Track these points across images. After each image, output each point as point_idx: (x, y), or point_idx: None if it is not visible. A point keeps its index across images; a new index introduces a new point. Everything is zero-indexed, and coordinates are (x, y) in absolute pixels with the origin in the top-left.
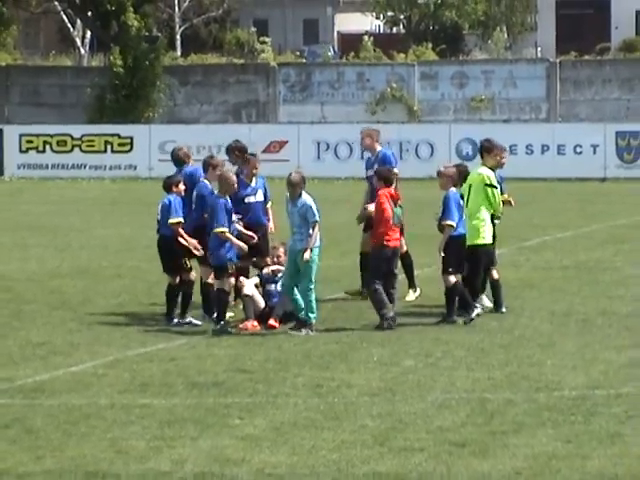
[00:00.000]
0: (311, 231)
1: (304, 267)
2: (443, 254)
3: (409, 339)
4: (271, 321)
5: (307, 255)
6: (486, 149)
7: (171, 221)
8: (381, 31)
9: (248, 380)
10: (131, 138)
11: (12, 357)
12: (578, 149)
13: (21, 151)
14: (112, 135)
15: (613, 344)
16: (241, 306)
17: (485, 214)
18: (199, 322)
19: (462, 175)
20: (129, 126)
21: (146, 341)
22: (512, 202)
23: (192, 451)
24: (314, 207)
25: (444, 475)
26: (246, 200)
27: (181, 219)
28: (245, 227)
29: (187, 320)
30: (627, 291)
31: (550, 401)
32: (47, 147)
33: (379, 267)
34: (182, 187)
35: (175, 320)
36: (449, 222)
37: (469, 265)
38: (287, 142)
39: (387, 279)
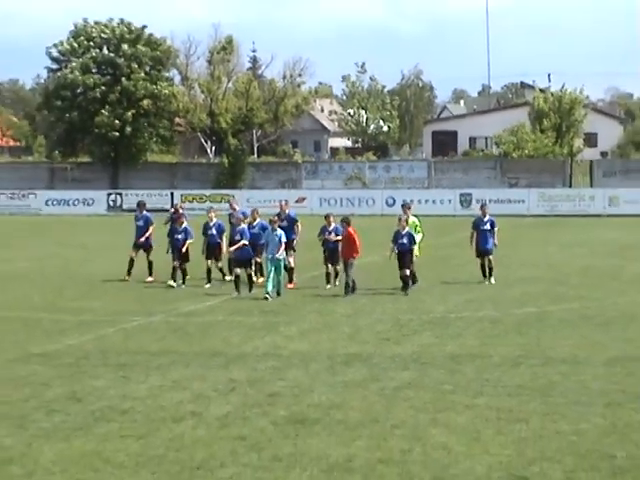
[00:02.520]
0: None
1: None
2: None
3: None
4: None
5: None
6: (408, 206)
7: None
8: (351, 146)
9: (282, 307)
10: (233, 195)
11: (147, 301)
12: (443, 202)
13: (182, 201)
14: (226, 194)
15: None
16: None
17: (418, 238)
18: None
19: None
20: (233, 190)
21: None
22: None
23: (272, 340)
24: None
25: None
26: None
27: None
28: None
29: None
30: None
31: (426, 317)
32: (196, 200)
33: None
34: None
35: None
36: (415, 247)
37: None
38: (305, 198)
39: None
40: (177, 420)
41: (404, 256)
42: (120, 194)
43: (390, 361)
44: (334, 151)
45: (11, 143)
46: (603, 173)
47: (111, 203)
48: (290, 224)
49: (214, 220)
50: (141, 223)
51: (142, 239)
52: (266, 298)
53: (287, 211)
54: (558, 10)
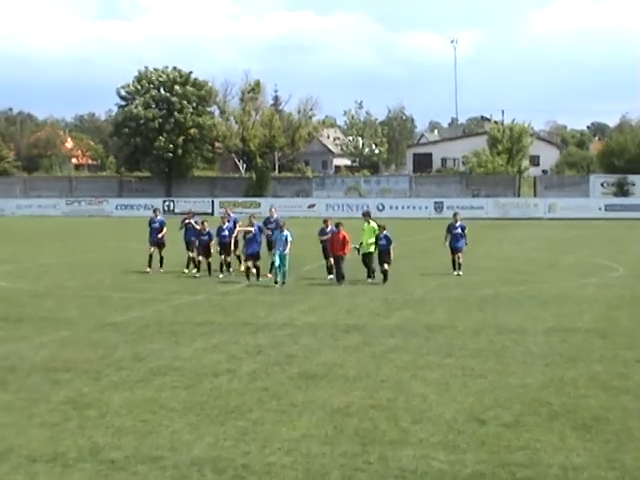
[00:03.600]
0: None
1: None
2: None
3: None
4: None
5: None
6: (368, 214)
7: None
8: (350, 164)
9: (296, 289)
10: (260, 203)
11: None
12: (421, 208)
13: (220, 207)
14: (254, 202)
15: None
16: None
17: (372, 241)
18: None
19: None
20: (259, 198)
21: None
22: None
23: (288, 314)
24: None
25: None
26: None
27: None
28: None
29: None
30: None
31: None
32: (231, 206)
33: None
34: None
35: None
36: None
37: (370, 261)
38: (315, 205)
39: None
40: (216, 375)
41: (383, 254)
42: (173, 201)
43: (379, 330)
44: (337, 168)
45: (89, 162)
46: (544, 186)
47: (166, 208)
48: (277, 226)
49: (227, 224)
50: (157, 225)
51: (160, 236)
52: (276, 282)
53: (275, 216)
54: (510, 61)
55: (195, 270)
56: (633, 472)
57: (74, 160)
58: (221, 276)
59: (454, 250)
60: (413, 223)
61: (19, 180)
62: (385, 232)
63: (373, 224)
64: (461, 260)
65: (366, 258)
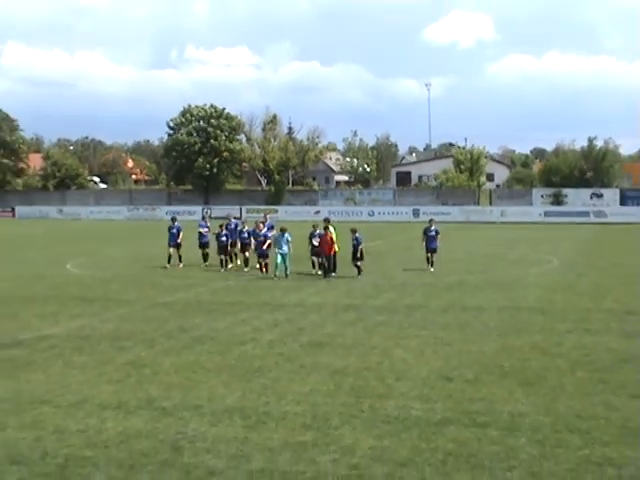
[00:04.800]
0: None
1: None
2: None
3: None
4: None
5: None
6: (328, 221)
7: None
8: (347, 180)
9: (304, 278)
10: (277, 210)
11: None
12: (402, 214)
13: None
14: (272, 209)
15: None
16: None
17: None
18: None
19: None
20: (276, 206)
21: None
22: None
23: (299, 296)
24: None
25: None
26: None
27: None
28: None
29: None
30: None
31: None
32: (254, 212)
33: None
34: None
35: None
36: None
37: (332, 259)
38: (320, 211)
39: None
40: (243, 343)
41: (355, 252)
42: (210, 208)
43: (370, 309)
44: (337, 183)
45: (145, 177)
46: (497, 197)
47: (204, 214)
48: (269, 229)
49: (246, 227)
50: (174, 231)
51: (178, 240)
52: (276, 276)
53: (268, 221)
54: (471, 100)
55: (239, 262)
56: (565, 417)
57: (134, 176)
58: (246, 269)
59: (428, 250)
60: (396, 225)
61: (92, 192)
62: (356, 234)
63: (331, 229)
64: (434, 258)
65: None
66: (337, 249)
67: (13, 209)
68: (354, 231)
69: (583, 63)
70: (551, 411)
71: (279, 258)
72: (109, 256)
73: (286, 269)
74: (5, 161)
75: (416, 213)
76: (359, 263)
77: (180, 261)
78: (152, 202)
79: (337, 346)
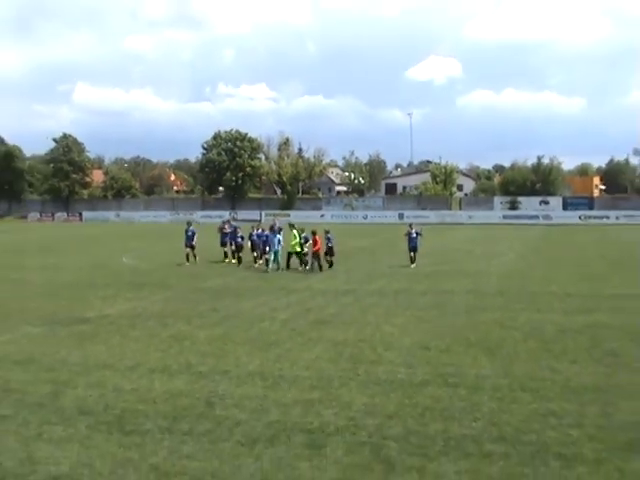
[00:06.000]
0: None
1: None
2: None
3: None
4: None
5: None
6: (293, 224)
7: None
8: (346, 190)
9: (310, 271)
10: (289, 214)
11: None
12: (390, 217)
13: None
14: (285, 214)
15: None
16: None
17: (296, 242)
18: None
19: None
20: (288, 211)
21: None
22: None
23: (307, 283)
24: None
25: None
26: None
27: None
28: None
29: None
30: None
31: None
32: (271, 216)
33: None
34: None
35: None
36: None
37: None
38: (324, 215)
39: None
40: (262, 321)
41: (329, 250)
42: (236, 212)
43: (365, 293)
44: (338, 192)
45: (184, 188)
46: (466, 203)
47: (230, 216)
48: (278, 232)
49: (257, 231)
50: (190, 234)
51: (193, 242)
52: (267, 271)
53: (277, 224)
54: (444, 126)
55: (234, 261)
56: (519, 378)
57: (175, 187)
58: (256, 265)
59: (411, 250)
60: (385, 227)
61: (142, 200)
62: (329, 234)
63: (295, 232)
64: (415, 257)
65: (295, 255)
66: (297, 249)
67: (80, 214)
68: (327, 232)
69: (532, 97)
70: (508, 374)
71: (271, 255)
72: (155, 251)
73: (278, 263)
74: (74, 176)
75: (401, 216)
76: (331, 258)
77: (195, 259)
78: (189, 208)
79: (338, 323)
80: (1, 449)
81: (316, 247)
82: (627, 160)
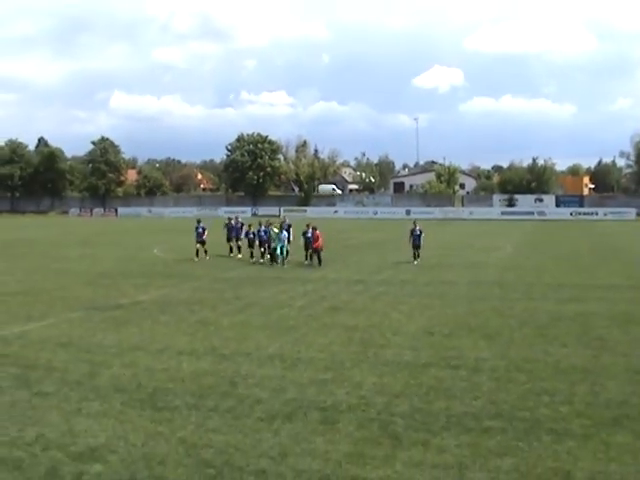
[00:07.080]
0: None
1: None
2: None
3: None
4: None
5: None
6: (273, 224)
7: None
8: (357, 188)
9: (323, 264)
10: (306, 210)
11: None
12: (398, 213)
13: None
14: (302, 209)
15: None
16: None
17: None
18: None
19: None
20: (305, 207)
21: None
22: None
23: (321, 273)
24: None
25: None
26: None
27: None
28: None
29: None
30: None
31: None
32: (289, 212)
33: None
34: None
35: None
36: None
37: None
38: (337, 211)
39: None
40: (281, 308)
41: (311, 245)
42: (257, 208)
43: (374, 282)
44: (350, 190)
45: (210, 187)
46: (467, 201)
47: (253, 212)
48: (288, 228)
49: (263, 227)
50: (200, 230)
51: (203, 238)
52: (271, 264)
53: (286, 221)
54: (447, 129)
55: (239, 255)
56: (515, 361)
57: (202, 185)
58: (261, 260)
59: (415, 247)
60: (393, 222)
61: (172, 197)
62: (315, 231)
63: (275, 229)
64: (418, 253)
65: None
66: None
67: (116, 210)
68: (314, 228)
69: (528, 104)
70: (505, 356)
71: (278, 250)
72: (184, 244)
73: (284, 258)
74: (110, 175)
75: (408, 212)
76: (319, 252)
77: (206, 254)
78: (215, 205)
79: (350, 310)
80: (45, 422)
81: (316, 243)
82: (614, 162)
